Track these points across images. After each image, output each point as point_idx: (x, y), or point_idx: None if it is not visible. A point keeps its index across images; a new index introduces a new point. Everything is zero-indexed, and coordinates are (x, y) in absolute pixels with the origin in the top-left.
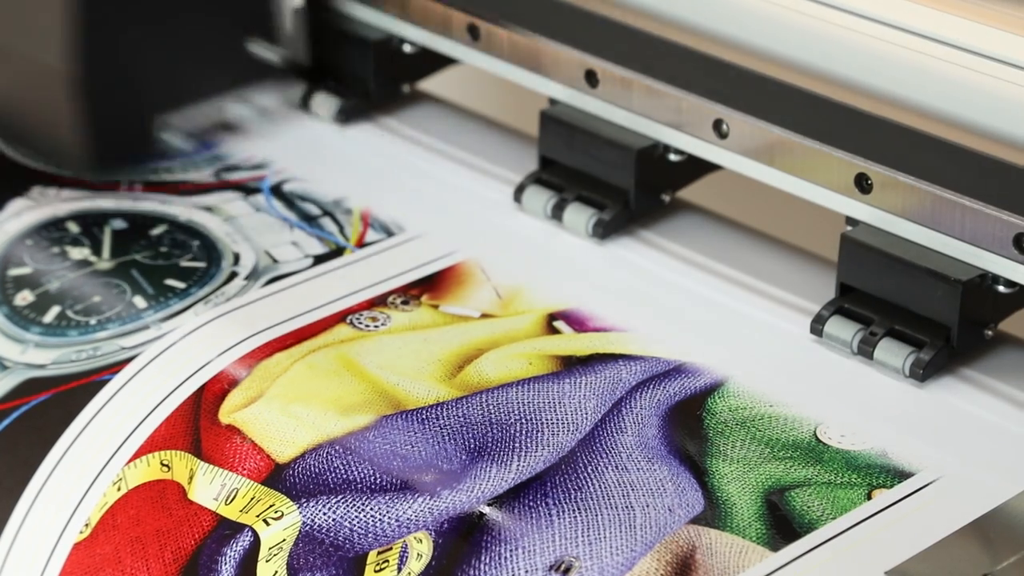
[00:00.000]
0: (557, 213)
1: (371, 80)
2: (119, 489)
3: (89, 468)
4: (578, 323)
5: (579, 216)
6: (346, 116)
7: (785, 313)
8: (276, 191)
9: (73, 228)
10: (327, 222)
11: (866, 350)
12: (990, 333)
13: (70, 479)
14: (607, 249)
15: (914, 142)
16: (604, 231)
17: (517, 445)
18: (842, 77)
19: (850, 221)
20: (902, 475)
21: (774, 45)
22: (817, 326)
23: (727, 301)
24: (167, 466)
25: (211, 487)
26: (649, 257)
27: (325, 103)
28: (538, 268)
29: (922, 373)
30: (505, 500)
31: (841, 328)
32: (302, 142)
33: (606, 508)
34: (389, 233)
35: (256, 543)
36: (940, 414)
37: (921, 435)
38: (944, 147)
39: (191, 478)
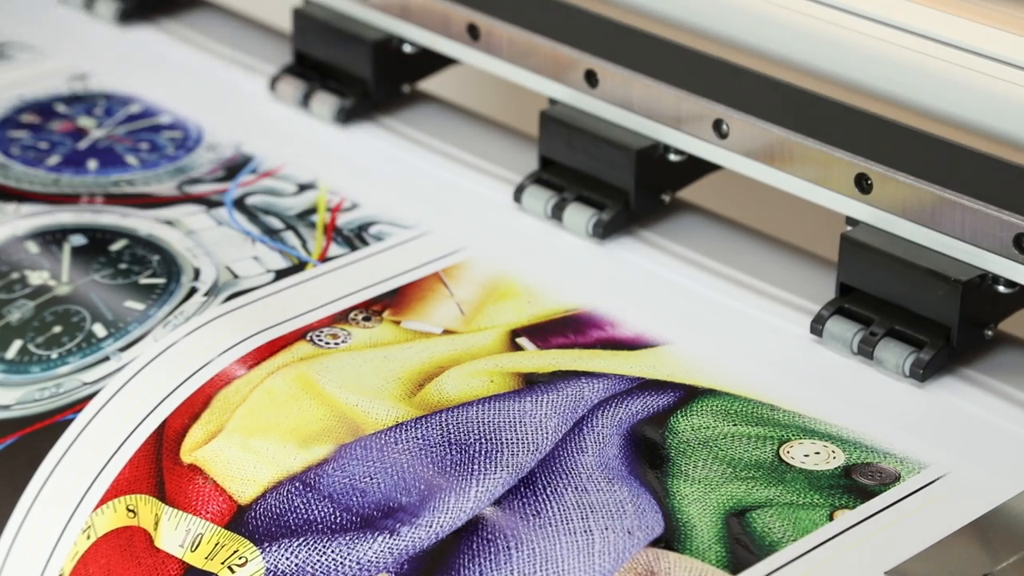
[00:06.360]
0: (557, 213)
1: (371, 80)
2: (88, 537)
3: (59, 515)
4: (541, 339)
5: (579, 216)
6: (346, 116)
7: (785, 313)
8: (239, 204)
9: (32, 248)
10: (290, 236)
11: (866, 350)
12: (990, 333)
13: (41, 527)
14: (607, 249)
15: (914, 142)
16: (604, 231)
17: (476, 467)
18: (842, 77)
19: (850, 221)
20: (865, 495)
21: (774, 45)
22: (817, 326)
23: (727, 301)
24: (133, 511)
25: (176, 533)
26: (649, 257)
27: (325, 103)
28: (538, 268)
29: (922, 373)
30: (463, 531)
31: (841, 328)
32: (302, 142)
33: (564, 534)
34: (352, 247)
35: None
36: (940, 414)
37: (921, 435)
38: (944, 147)
39: (157, 524)
